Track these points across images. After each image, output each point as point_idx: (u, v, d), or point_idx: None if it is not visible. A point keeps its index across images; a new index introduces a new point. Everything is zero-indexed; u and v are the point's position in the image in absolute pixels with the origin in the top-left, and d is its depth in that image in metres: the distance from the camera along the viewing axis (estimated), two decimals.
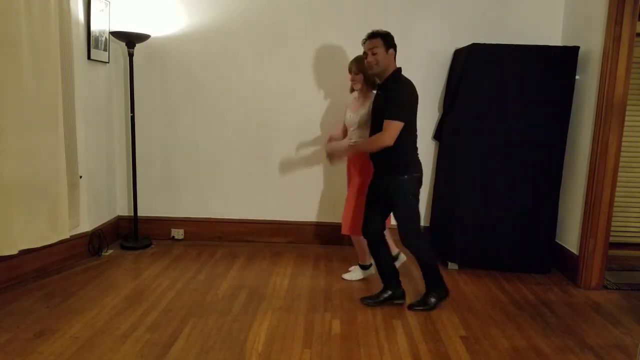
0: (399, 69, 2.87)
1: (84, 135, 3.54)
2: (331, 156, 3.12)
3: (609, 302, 3.17)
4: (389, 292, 2.98)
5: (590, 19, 3.45)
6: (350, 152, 3.10)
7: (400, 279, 3.02)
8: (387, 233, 3.07)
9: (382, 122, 2.76)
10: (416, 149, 2.91)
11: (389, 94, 2.80)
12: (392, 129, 2.72)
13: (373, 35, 2.84)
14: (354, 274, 3.38)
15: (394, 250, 3.34)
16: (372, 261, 3.14)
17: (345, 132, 3.35)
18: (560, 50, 3.48)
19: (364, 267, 3.37)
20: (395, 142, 2.74)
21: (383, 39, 2.82)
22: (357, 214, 3.14)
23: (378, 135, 2.78)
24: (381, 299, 2.98)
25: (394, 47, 2.85)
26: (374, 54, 2.81)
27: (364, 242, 3.08)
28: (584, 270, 3.37)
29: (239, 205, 4.14)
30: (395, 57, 2.87)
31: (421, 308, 2.93)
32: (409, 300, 3.00)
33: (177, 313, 2.79)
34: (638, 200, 4.35)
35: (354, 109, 3.18)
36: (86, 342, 2.44)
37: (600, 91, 3.27)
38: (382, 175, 2.89)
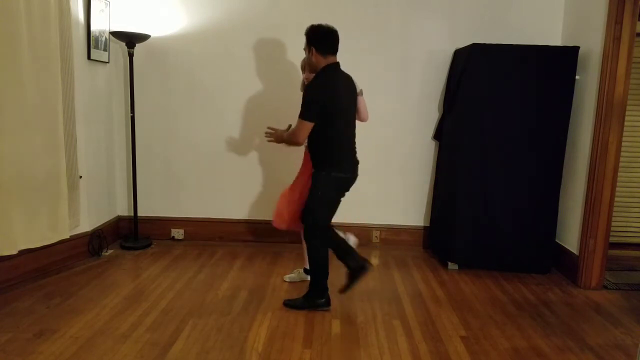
0: (326, 67, 2.76)
1: (84, 135, 3.54)
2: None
3: (609, 302, 3.17)
4: (350, 267, 2.91)
5: (590, 19, 3.45)
6: (277, 139, 3.00)
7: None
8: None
9: None
10: (344, 148, 2.84)
11: (304, 92, 2.79)
12: (299, 127, 2.72)
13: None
14: (294, 275, 3.36)
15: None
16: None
17: None
18: (560, 50, 3.48)
19: (307, 271, 3.25)
20: (315, 139, 2.76)
21: (306, 38, 2.79)
22: (293, 209, 3.09)
23: (291, 131, 2.82)
24: (349, 282, 2.91)
25: (315, 43, 2.74)
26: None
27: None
28: (584, 270, 3.37)
29: (239, 205, 4.14)
30: (320, 53, 2.74)
31: (290, 305, 2.90)
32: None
33: (177, 313, 2.79)
34: (638, 200, 4.35)
35: None
36: (86, 342, 2.44)
37: (600, 91, 3.27)
38: (313, 167, 2.90)
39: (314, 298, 2.89)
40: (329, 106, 2.70)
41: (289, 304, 2.92)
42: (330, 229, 2.95)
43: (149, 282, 3.24)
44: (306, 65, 2.97)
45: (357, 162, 2.92)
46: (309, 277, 3.07)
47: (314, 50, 2.75)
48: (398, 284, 3.34)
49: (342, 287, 2.94)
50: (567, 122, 3.50)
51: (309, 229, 2.86)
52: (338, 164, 2.82)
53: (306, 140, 2.83)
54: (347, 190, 2.89)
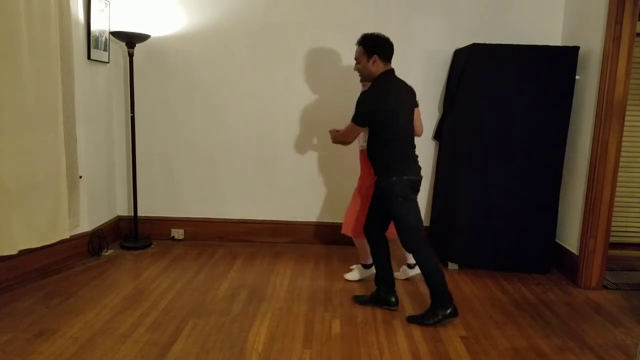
0: (383, 74, 2.80)
1: (84, 135, 3.54)
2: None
3: (609, 302, 3.17)
4: (377, 294, 2.95)
5: (590, 19, 3.45)
6: (333, 139, 3.10)
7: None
8: None
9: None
10: (405, 151, 2.82)
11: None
12: (348, 129, 2.86)
13: (358, 42, 2.86)
14: (355, 273, 3.38)
15: (410, 259, 3.36)
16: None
17: None
18: (560, 50, 3.47)
19: (365, 267, 3.37)
20: (376, 145, 2.80)
21: (365, 47, 2.81)
22: (359, 216, 3.16)
23: (343, 132, 2.93)
24: (366, 299, 2.99)
25: (378, 52, 2.78)
26: (357, 63, 2.88)
27: (365, 242, 3.09)
28: (584, 270, 3.37)
29: (239, 205, 4.14)
30: (382, 61, 2.80)
31: (416, 322, 2.76)
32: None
33: (177, 313, 2.79)
34: (638, 200, 4.35)
35: None
36: (86, 342, 2.44)
37: (600, 91, 3.27)
38: (376, 176, 2.89)
39: (438, 309, 2.73)
40: (384, 113, 2.73)
41: (415, 320, 2.77)
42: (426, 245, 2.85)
43: (149, 282, 3.24)
44: (359, 73, 2.94)
45: (420, 167, 2.88)
46: (373, 271, 3.17)
47: (377, 57, 2.79)
48: (398, 284, 3.33)
49: (358, 296, 3.05)
50: (567, 122, 3.50)
51: (407, 238, 2.80)
52: (405, 167, 2.79)
53: (362, 146, 3.04)
54: (419, 191, 2.86)
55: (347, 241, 4.01)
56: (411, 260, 3.35)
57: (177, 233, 4.15)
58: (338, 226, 4.12)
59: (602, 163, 3.26)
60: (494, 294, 3.23)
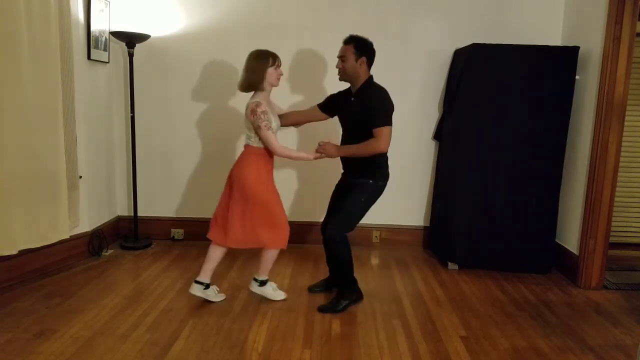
0: (371, 77, 2.86)
1: (84, 135, 3.54)
2: (325, 154, 2.88)
3: (609, 302, 3.17)
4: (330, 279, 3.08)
5: (590, 19, 3.45)
6: (340, 154, 2.91)
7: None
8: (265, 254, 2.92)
9: (360, 128, 2.78)
10: (387, 157, 2.91)
11: (369, 102, 2.79)
12: (387, 135, 2.76)
13: (346, 41, 2.86)
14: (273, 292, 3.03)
15: (260, 276, 3.00)
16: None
17: (301, 117, 3.12)
18: (560, 50, 3.48)
19: (263, 283, 3.02)
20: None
21: (355, 46, 2.80)
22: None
23: (373, 141, 2.73)
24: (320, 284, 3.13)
25: (368, 54, 2.81)
26: (342, 62, 2.85)
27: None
28: (584, 270, 3.37)
29: None
30: (368, 65, 2.83)
31: (330, 311, 2.85)
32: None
33: (177, 313, 2.79)
34: (638, 200, 4.35)
35: None
36: (86, 342, 2.44)
37: (600, 91, 3.27)
38: (352, 176, 2.92)
39: (349, 295, 2.94)
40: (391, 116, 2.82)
41: (325, 309, 2.87)
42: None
43: (149, 282, 3.24)
44: (342, 71, 2.89)
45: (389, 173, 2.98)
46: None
47: (365, 60, 2.81)
48: (398, 284, 3.34)
49: (313, 285, 3.14)
50: (567, 122, 3.50)
51: (339, 234, 2.85)
52: (384, 172, 2.92)
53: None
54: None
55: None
56: (260, 277, 2.99)
57: (177, 233, 4.15)
58: None
59: (602, 163, 3.26)
60: (494, 294, 3.23)
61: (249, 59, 2.88)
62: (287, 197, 4.09)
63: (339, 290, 2.97)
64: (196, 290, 2.91)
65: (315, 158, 2.90)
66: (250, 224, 2.81)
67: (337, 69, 2.90)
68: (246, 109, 2.79)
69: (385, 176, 2.93)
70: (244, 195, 2.79)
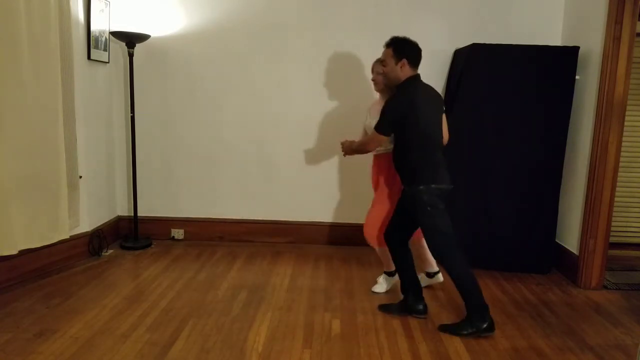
0: (410, 78, 2.72)
1: (84, 135, 3.54)
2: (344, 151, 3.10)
3: (609, 302, 3.17)
4: (405, 302, 2.87)
5: (590, 19, 3.45)
6: (347, 150, 3.03)
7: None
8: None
9: (395, 132, 2.75)
10: (435, 158, 2.72)
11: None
12: (372, 138, 2.79)
13: (387, 44, 2.78)
14: (382, 284, 3.20)
15: (434, 267, 3.21)
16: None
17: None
18: (560, 50, 3.47)
19: (389, 274, 3.19)
20: (406, 151, 2.70)
21: (394, 49, 2.73)
22: (384, 223, 3.00)
23: (365, 138, 2.85)
24: (394, 308, 2.89)
25: (407, 55, 2.70)
26: (383, 65, 2.78)
27: (386, 250, 2.97)
28: (584, 270, 3.37)
29: (239, 205, 4.14)
30: (410, 66, 2.72)
31: (449, 332, 2.66)
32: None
33: (177, 313, 2.79)
34: (638, 200, 4.35)
35: (374, 113, 2.94)
36: (86, 342, 2.44)
37: (600, 91, 3.26)
38: (403, 184, 2.81)
39: (475, 322, 2.63)
40: (416, 117, 2.65)
41: (447, 329, 2.67)
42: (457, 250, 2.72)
43: (149, 282, 3.24)
44: (381, 77, 2.91)
45: (449, 175, 2.79)
46: (396, 278, 3.08)
47: (406, 61, 2.70)
48: (398, 284, 3.34)
49: (385, 305, 2.93)
50: (567, 122, 3.50)
51: (437, 245, 2.73)
52: (435, 174, 2.70)
53: (377, 150, 2.97)
54: (447, 199, 2.76)
55: (348, 241, 4.02)
56: (431, 268, 3.21)
57: (177, 233, 4.15)
58: (338, 226, 4.13)
59: (602, 163, 3.26)
60: (494, 294, 3.23)
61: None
62: (288, 197, 4.10)
63: (467, 314, 2.68)
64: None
65: (345, 155, 3.11)
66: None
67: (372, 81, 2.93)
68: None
69: (439, 178, 2.69)
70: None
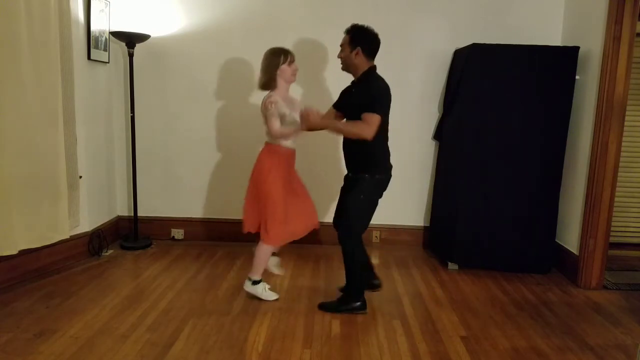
0: (373, 67, 2.78)
1: (84, 135, 3.54)
2: (305, 121, 2.79)
3: (609, 302, 3.17)
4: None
5: (590, 19, 3.45)
6: (322, 127, 2.86)
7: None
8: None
9: (359, 119, 2.67)
10: (386, 150, 2.86)
11: (365, 90, 2.73)
12: (373, 121, 2.62)
13: (346, 31, 2.81)
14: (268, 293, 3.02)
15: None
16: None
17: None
18: (560, 50, 3.48)
19: (255, 282, 3.00)
20: (361, 141, 2.68)
21: (350, 37, 2.77)
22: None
23: (359, 123, 2.65)
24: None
25: (362, 45, 2.72)
26: (341, 51, 2.83)
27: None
28: (584, 270, 3.37)
29: (239, 205, 4.12)
30: (366, 55, 2.74)
31: (325, 309, 2.87)
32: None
33: (177, 313, 2.79)
34: (638, 200, 4.35)
35: (289, 105, 2.93)
36: (86, 342, 2.44)
37: (600, 91, 3.27)
38: (351, 172, 2.90)
39: (350, 301, 2.88)
40: (389, 106, 2.76)
41: (325, 307, 2.89)
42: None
43: (149, 282, 3.24)
44: (341, 62, 2.88)
45: (391, 165, 2.91)
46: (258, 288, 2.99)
47: (360, 50, 2.73)
48: (398, 284, 3.34)
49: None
50: (567, 122, 3.50)
51: (345, 234, 2.83)
52: (382, 166, 2.84)
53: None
54: (384, 191, 2.88)
55: None
56: (253, 277, 3.00)
57: (177, 233, 4.15)
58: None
59: (602, 163, 3.26)
60: (494, 294, 3.23)
61: (263, 59, 2.94)
62: None
63: (343, 294, 2.95)
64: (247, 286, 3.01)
65: (304, 128, 2.80)
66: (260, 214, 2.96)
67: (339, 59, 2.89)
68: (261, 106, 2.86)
69: (385, 169, 2.85)
70: (258, 189, 2.94)
